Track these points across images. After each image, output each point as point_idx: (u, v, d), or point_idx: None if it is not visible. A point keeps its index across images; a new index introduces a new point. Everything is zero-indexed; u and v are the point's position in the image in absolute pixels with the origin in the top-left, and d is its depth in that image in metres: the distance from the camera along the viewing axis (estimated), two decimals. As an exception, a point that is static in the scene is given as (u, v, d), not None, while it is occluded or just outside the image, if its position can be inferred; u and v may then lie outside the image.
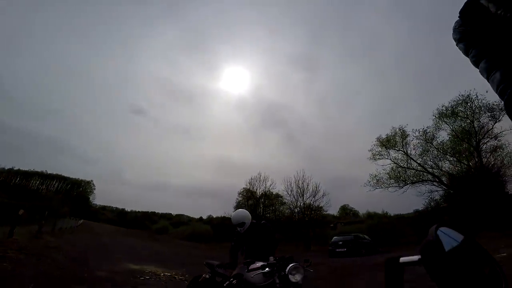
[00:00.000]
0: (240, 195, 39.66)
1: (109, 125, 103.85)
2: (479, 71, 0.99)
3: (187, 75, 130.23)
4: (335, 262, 12.13)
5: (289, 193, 34.17)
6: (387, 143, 22.83)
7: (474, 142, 19.48)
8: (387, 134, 23.04)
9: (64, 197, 46.96)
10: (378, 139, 23.55)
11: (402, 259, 0.64)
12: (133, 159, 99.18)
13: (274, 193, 38.53)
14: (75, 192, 56.55)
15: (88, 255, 7.96)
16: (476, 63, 1.00)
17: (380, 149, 23.24)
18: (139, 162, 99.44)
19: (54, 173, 56.53)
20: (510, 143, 18.72)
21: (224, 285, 3.43)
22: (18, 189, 44.90)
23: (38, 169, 55.46)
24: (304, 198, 32.77)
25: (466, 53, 1.05)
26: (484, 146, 19.63)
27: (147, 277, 6.02)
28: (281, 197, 37.30)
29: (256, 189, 39.35)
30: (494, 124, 18.89)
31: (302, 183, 33.44)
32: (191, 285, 4.09)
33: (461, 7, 1.07)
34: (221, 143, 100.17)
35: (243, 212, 4.07)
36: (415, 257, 0.61)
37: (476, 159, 19.54)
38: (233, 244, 4.07)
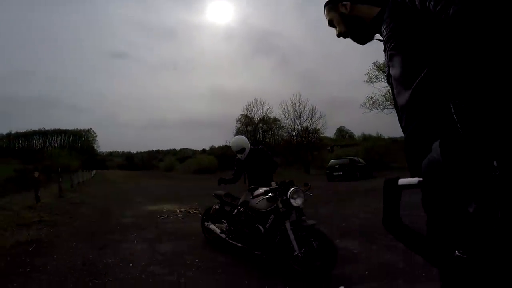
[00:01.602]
0: (239, 122, 40.35)
1: (93, 73, 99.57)
2: None
3: (164, 11, 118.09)
4: (332, 187, 12.72)
5: (287, 116, 34.59)
6: (384, 67, 22.06)
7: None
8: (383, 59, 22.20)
9: (71, 151, 47.63)
10: (375, 64, 22.79)
11: (400, 181, 0.58)
12: (126, 102, 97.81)
13: (271, 117, 39.14)
14: (78, 144, 57.00)
15: (110, 205, 8.71)
16: None
17: (377, 73, 22.64)
18: (132, 103, 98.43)
19: (52, 128, 56.04)
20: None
21: (233, 213, 3.78)
22: (25, 152, 45.36)
23: (36, 128, 54.81)
24: (301, 121, 33.31)
25: None
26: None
27: (165, 216, 6.59)
28: (279, 121, 37.92)
29: (254, 115, 39.83)
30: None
31: (299, 106, 33.56)
32: (204, 217, 4.42)
33: None
34: (213, 73, 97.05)
35: (241, 139, 4.16)
36: (415, 179, 0.55)
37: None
38: (235, 170, 4.26)
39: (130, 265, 3.31)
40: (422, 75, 0.60)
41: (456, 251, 0.48)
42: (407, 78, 0.64)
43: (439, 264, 0.58)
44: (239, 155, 4.07)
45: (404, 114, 0.67)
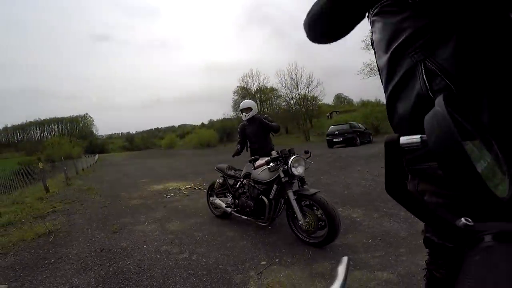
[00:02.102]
0: (236, 94, 40.25)
1: (78, 59, 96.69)
2: None
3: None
4: (332, 154, 12.80)
5: (284, 85, 34.75)
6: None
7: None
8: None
9: (71, 137, 47.69)
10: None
11: (402, 140, 0.49)
12: (118, 84, 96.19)
13: (268, 87, 38.88)
14: (76, 130, 57.00)
15: (117, 188, 8.89)
16: None
17: (374, 39, 22.15)
18: (125, 85, 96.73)
19: (48, 117, 55.75)
20: None
21: (236, 186, 3.90)
22: (26, 144, 45.37)
23: (31, 119, 54.49)
24: (299, 89, 33.44)
25: None
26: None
27: (172, 194, 6.73)
28: (276, 90, 37.83)
29: (250, 86, 39.66)
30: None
31: (296, 75, 33.55)
32: (209, 192, 4.58)
33: None
34: (205, 47, 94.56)
35: (251, 101, 4.35)
36: (417, 137, 0.46)
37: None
38: (239, 140, 4.39)
39: (144, 246, 3.53)
40: (401, 39, 0.60)
41: (462, 219, 0.42)
42: (387, 42, 0.65)
43: (443, 231, 0.52)
44: (243, 114, 4.18)
45: (383, 76, 0.69)
